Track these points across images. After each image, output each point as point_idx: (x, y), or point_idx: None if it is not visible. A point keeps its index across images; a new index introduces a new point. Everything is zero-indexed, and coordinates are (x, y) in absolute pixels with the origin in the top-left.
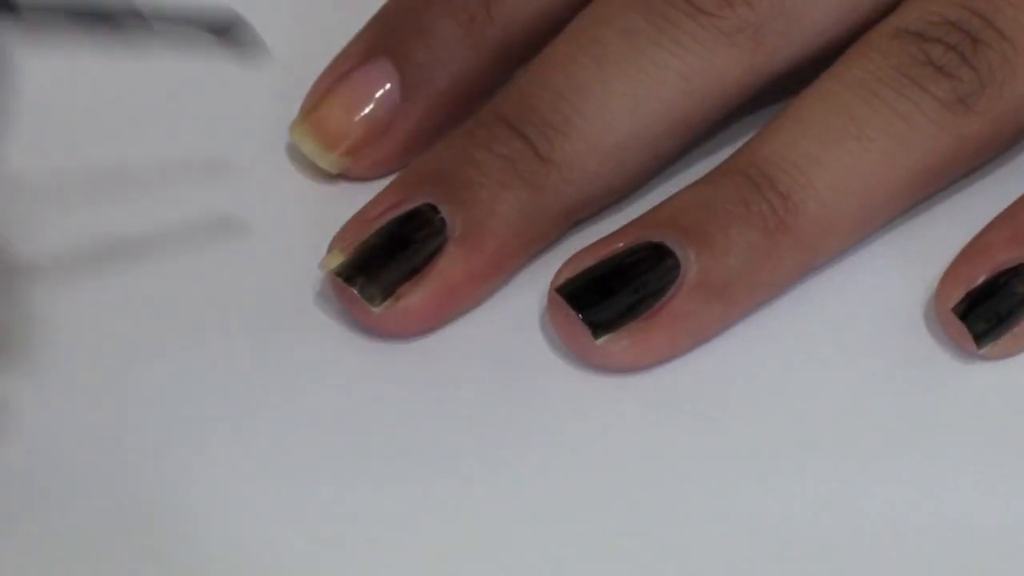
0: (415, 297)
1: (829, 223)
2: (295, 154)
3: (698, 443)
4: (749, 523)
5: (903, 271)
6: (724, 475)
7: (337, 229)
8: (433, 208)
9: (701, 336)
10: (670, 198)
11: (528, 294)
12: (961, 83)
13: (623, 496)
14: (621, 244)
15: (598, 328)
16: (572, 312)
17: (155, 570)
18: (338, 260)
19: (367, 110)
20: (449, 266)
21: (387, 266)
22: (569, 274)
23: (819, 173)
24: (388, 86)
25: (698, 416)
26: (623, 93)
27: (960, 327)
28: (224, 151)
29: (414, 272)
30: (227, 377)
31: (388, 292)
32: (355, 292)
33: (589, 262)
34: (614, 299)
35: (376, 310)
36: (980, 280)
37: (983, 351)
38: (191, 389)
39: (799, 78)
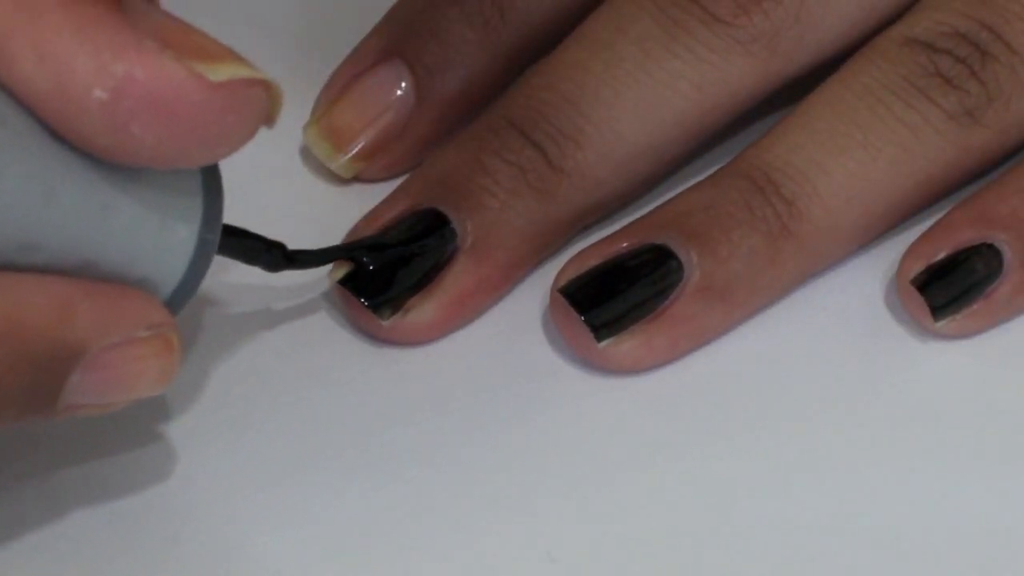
0: (425, 309)
1: (832, 229)
2: (306, 155)
3: (698, 443)
4: (749, 522)
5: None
6: (724, 474)
7: (346, 232)
8: (442, 216)
9: (702, 339)
10: (674, 199)
11: (530, 292)
12: (969, 96)
13: (624, 495)
14: (624, 244)
15: (600, 330)
16: (574, 313)
17: (163, 571)
18: (344, 270)
19: (380, 114)
20: (459, 277)
21: (395, 277)
22: (572, 274)
23: (824, 180)
24: (401, 89)
25: (698, 416)
26: (634, 102)
27: (918, 300)
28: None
29: (422, 280)
30: (235, 381)
31: (397, 305)
32: (363, 303)
33: (592, 262)
34: (616, 300)
35: (385, 323)
36: (941, 256)
37: (939, 326)
38: (198, 393)
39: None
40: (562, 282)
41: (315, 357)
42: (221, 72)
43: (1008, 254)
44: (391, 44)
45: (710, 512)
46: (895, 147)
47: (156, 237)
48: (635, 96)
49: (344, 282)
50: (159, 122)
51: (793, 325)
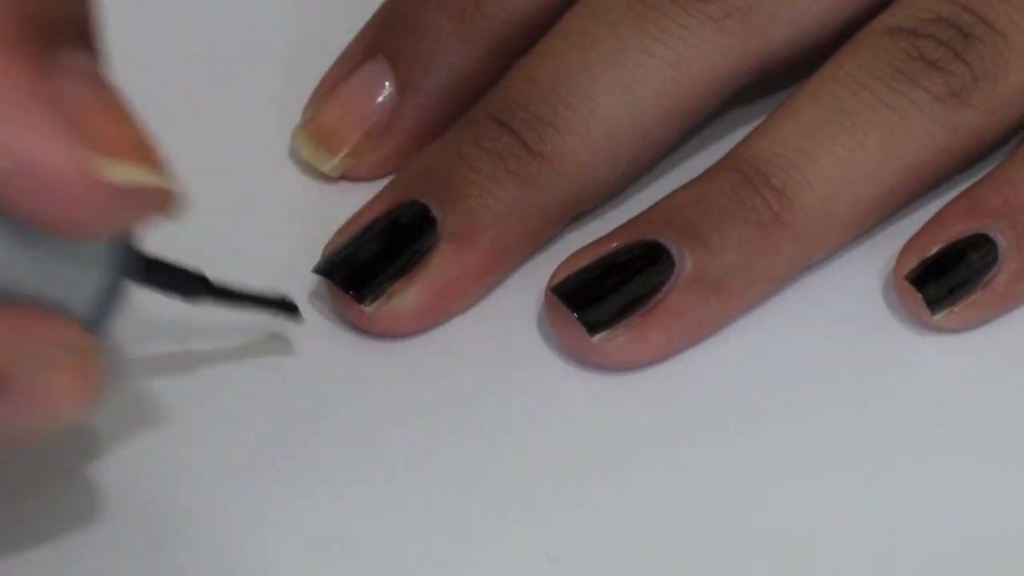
0: (407, 295)
1: (824, 217)
2: (296, 155)
3: (697, 441)
4: (749, 519)
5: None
6: (723, 472)
7: (334, 229)
8: (423, 206)
9: (698, 332)
10: (665, 197)
11: (526, 294)
12: (954, 77)
13: (623, 494)
14: (616, 244)
15: (594, 326)
16: (568, 312)
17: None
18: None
19: (367, 113)
20: (441, 263)
21: (375, 264)
22: (565, 274)
23: (813, 167)
24: (385, 86)
25: (697, 414)
26: (610, 83)
27: (914, 295)
28: (225, 151)
29: (404, 270)
30: (223, 376)
31: (378, 291)
32: (349, 294)
33: (585, 262)
34: (610, 298)
35: (367, 309)
36: (935, 249)
37: (937, 319)
38: (185, 388)
39: (794, 78)
40: (555, 282)
41: (311, 357)
42: (122, 174)
43: (1003, 243)
44: (373, 43)
45: (710, 510)
46: (883, 131)
47: (66, 265)
48: (610, 78)
49: (329, 275)
50: (46, 205)
51: (791, 322)
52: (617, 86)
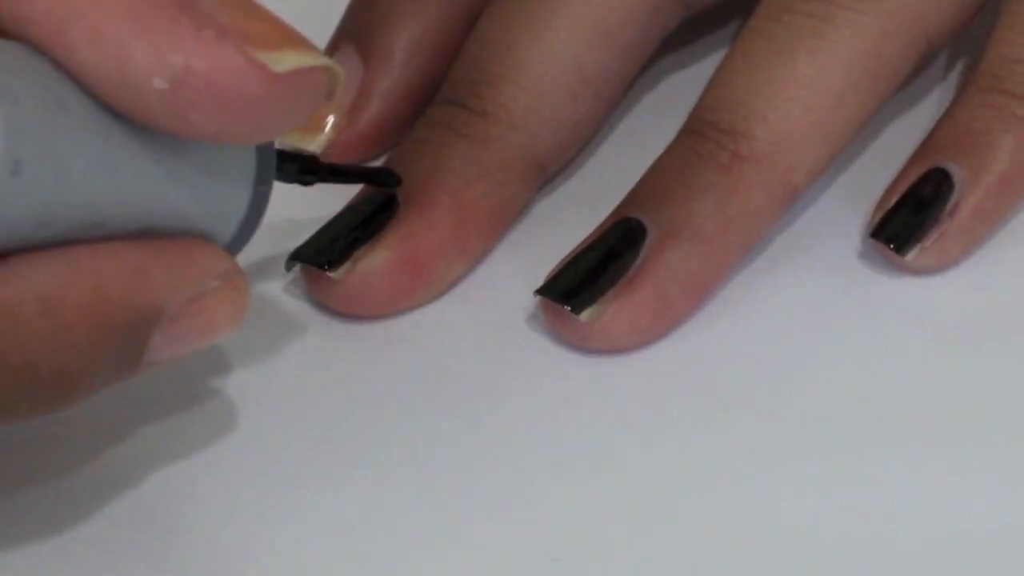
0: (374, 256)
1: (782, 137)
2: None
3: (703, 440)
4: (753, 517)
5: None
6: (728, 472)
7: (310, 229)
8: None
9: (692, 287)
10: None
11: (527, 297)
12: None
13: (626, 494)
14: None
15: (579, 306)
16: (556, 304)
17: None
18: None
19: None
20: (403, 221)
21: (340, 237)
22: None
23: (753, 98)
24: (355, 67)
25: (704, 415)
26: (523, 25)
27: (884, 248)
28: None
29: (369, 238)
30: (222, 375)
31: (344, 257)
32: (316, 269)
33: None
34: (593, 279)
35: (335, 274)
36: (895, 200)
37: (911, 259)
38: (183, 387)
39: None
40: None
41: (310, 356)
42: (284, 62)
43: (958, 172)
44: (339, 35)
45: (713, 509)
46: (810, 39)
47: (215, 195)
48: (525, 19)
49: (298, 257)
50: (219, 111)
51: (790, 318)
52: (528, 24)
